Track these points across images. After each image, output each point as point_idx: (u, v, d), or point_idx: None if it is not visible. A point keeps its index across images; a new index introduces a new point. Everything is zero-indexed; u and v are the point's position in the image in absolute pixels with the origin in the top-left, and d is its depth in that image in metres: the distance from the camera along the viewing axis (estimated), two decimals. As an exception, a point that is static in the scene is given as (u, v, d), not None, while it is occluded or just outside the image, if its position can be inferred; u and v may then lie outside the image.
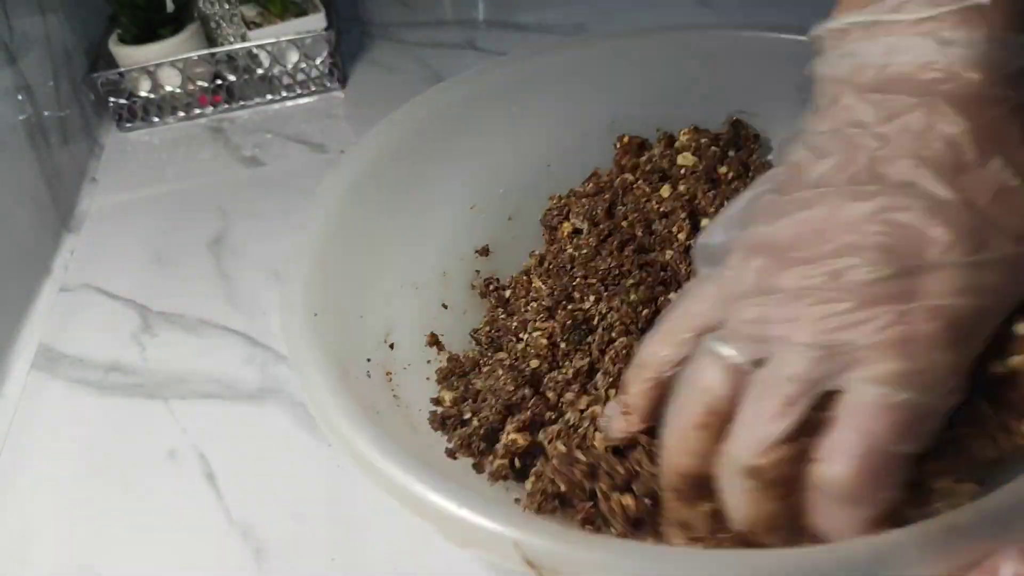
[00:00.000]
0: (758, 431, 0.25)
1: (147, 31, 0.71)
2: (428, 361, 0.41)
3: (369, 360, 0.38)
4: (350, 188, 0.42)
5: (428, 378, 0.40)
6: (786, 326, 0.25)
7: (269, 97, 0.74)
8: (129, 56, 0.71)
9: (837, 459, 0.24)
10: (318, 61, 0.73)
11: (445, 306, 0.44)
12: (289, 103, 0.74)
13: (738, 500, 0.26)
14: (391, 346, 0.40)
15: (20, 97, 0.60)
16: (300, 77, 0.74)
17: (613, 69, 0.51)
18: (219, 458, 0.44)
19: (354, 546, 0.39)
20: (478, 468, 0.35)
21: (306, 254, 0.38)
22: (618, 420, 0.31)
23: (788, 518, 0.26)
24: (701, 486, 0.27)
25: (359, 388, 0.34)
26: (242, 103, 0.74)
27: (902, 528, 0.24)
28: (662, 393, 0.29)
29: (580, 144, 0.50)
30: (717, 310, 0.28)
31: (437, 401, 0.39)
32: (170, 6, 0.71)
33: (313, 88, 0.75)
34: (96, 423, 0.47)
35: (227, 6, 0.73)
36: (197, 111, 0.74)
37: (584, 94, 0.50)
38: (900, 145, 0.26)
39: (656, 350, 0.30)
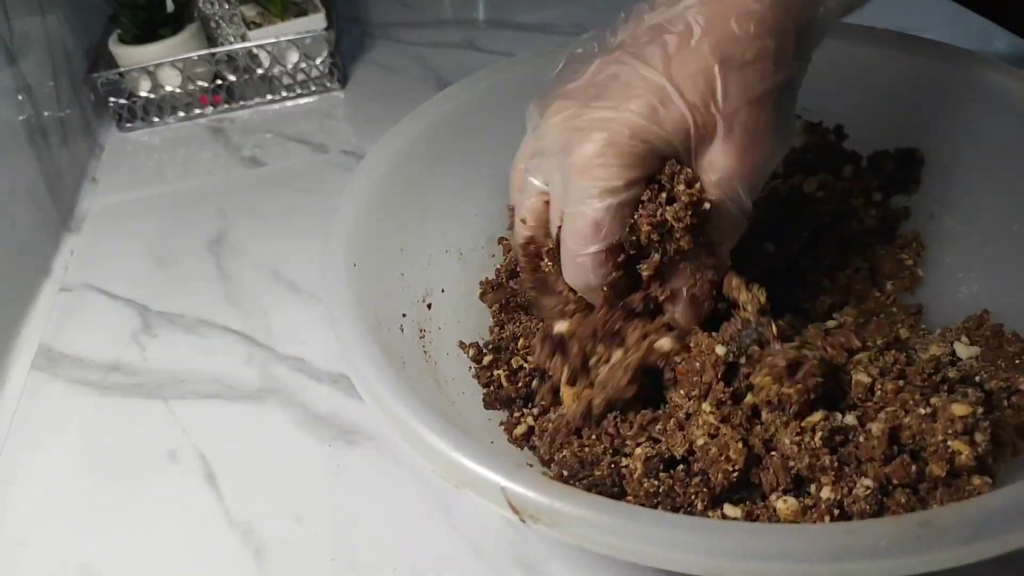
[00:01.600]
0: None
1: (147, 31, 0.71)
2: (459, 322, 0.42)
3: (404, 316, 0.39)
4: (400, 153, 0.43)
5: (462, 340, 0.42)
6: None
7: (269, 97, 0.74)
8: (129, 56, 0.71)
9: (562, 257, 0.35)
10: (318, 61, 0.73)
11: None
12: (289, 103, 0.74)
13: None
14: (428, 306, 0.41)
15: (20, 97, 0.60)
16: (300, 77, 0.74)
17: None
18: (219, 458, 0.44)
19: (354, 546, 0.39)
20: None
21: (350, 210, 0.39)
22: (520, 228, 0.39)
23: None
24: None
25: (390, 340, 0.36)
26: (242, 103, 0.74)
27: (877, 519, 0.26)
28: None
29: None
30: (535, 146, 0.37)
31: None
32: (170, 6, 0.71)
33: (313, 88, 0.75)
34: (96, 423, 0.47)
35: (227, 6, 0.73)
36: (197, 111, 0.74)
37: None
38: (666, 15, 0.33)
39: (514, 178, 0.39)
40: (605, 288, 0.35)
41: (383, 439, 0.43)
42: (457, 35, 0.82)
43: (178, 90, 0.72)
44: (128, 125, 0.73)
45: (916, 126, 0.45)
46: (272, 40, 0.71)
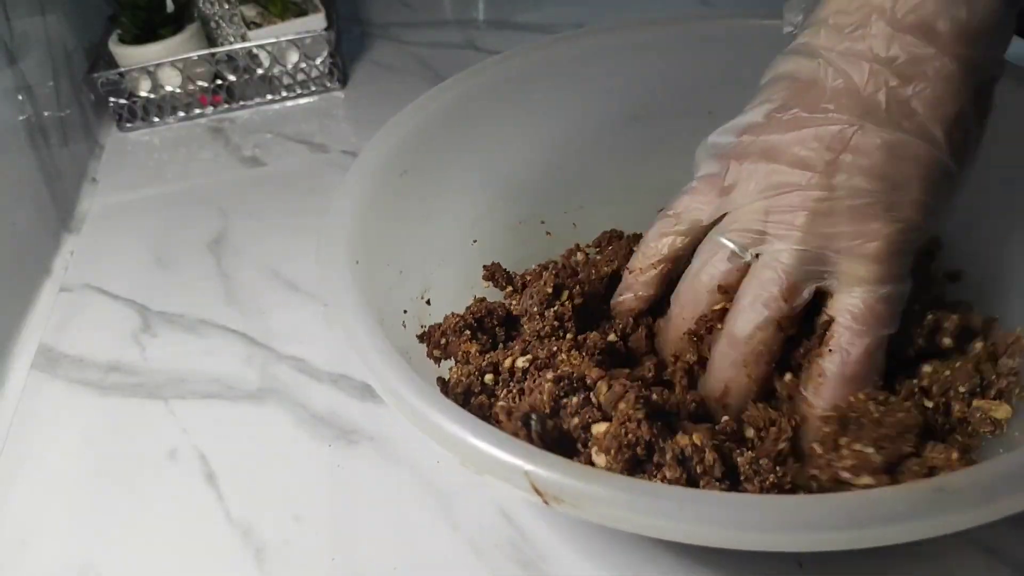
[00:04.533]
0: (755, 311, 0.32)
1: (147, 31, 0.71)
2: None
3: (405, 312, 0.39)
4: (394, 148, 0.43)
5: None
6: (782, 228, 0.31)
7: (269, 97, 0.74)
8: (129, 56, 0.71)
9: (839, 348, 0.31)
10: (318, 61, 0.73)
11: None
12: (289, 103, 0.74)
13: (721, 365, 0.33)
14: (427, 302, 0.41)
15: (20, 97, 0.60)
16: (300, 77, 0.74)
17: (640, 57, 0.51)
18: (219, 458, 0.44)
19: (354, 546, 0.39)
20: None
21: (348, 206, 0.39)
22: (628, 298, 0.37)
23: (747, 392, 0.33)
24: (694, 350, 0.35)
25: (393, 334, 0.35)
26: (242, 103, 0.74)
27: (895, 486, 0.27)
28: (665, 279, 0.37)
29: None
30: (716, 205, 0.34)
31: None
32: (170, 6, 0.71)
33: (313, 88, 0.75)
34: (96, 423, 0.47)
35: (227, 6, 0.73)
36: (197, 111, 0.74)
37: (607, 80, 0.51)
38: (914, 85, 0.30)
39: (663, 238, 0.36)
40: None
41: (383, 439, 0.43)
42: (457, 35, 0.82)
43: (178, 90, 0.72)
44: (128, 125, 0.73)
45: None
46: (272, 40, 0.71)
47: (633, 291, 0.37)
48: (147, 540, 0.40)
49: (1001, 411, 0.33)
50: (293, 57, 0.73)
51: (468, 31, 0.82)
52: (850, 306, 0.31)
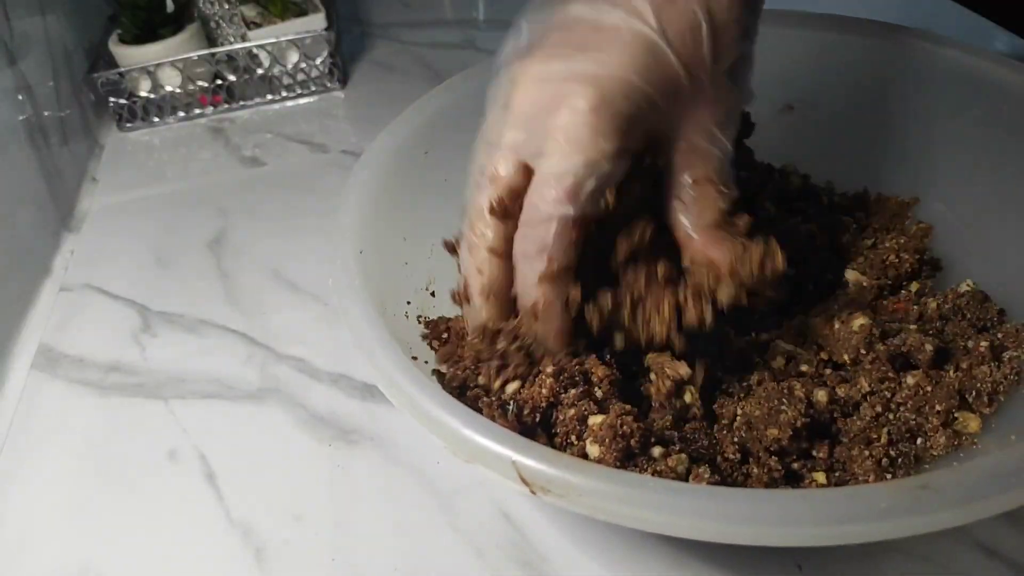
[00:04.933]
0: (476, 200, 0.33)
1: (147, 31, 0.71)
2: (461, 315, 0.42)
3: (409, 303, 0.39)
4: (402, 144, 0.43)
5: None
6: (510, 108, 0.31)
7: (269, 97, 0.74)
8: (129, 56, 0.71)
9: (519, 225, 0.31)
10: (318, 61, 0.73)
11: None
12: (289, 103, 0.74)
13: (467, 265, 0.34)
14: (432, 294, 0.41)
15: (20, 97, 0.60)
16: (300, 77, 0.74)
17: None
18: (219, 458, 0.44)
19: (354, 546, 0.39)
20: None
21: (355, 199, 0.40)
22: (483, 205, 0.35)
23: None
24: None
25: (396, 326, 0.36)
26: (242, 103, 0.74)
27: (878, 483, 0.27)
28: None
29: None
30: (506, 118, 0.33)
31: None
32: (170, 6, 0.71)
33: (313, 88, 0.75)
34: (96, 423, 0.47)
35: (227, 6, 0.73)
36: (197, 111, 0.74)
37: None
38: None
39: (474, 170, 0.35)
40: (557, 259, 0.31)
41: (383, 439, 0.43)
42: (457, 35, 0.82)
43: (178, 90, 0.72)
44: (128, 125, 0.73)
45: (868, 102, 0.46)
46: (272, 40, 0.71)
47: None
48: (147, 540, 0.40)
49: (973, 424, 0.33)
50: (293, 57, 0.73)
51: (468, 31, 0.82)
52: (534, 182, 0.31)
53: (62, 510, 0.42)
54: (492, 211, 0.32)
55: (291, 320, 0.52)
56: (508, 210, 0.32)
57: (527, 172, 0.32)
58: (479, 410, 0.33)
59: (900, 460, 0.32)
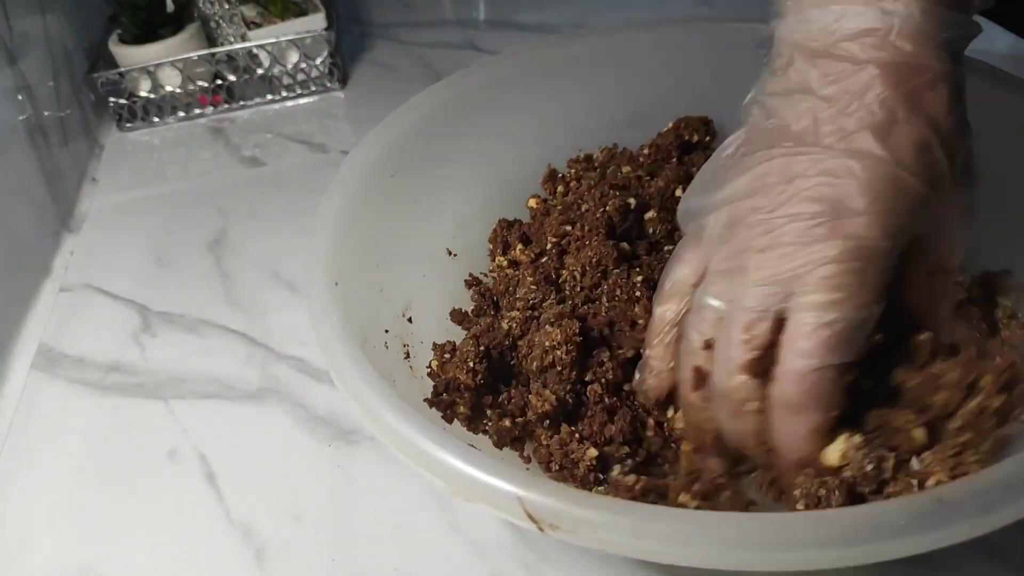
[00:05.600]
0: (726, 359, 0.31)
1: (147, 31, 0.71)
2: (441, 332, 0.42)
3: (387, 332, 0.39)
4: (371, 166, 0.43)
5: (435, 342, 0.41)
6: (738, 271, 0.31)
7: (269, 97, 0.74)
8: (129, 56, 0.71)
9: (783, 377, 0.30)
10: (318, 61, 0.73)
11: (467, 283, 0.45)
12: (289, 103, 0.74)
13: (722, 418, 0.32)
14: (409, 320, 0.41)
15: (20, 97, 0.60)
16: (300, 77, 0.74)
17: (638, 59, 0.52)
18: (219, 458, 0.44)
19: (354, 546, 0.39)
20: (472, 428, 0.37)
21: (329, 227, 0.39)
22: (652, 383, 0.36)
23: (761, 435, 0.32)
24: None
25: (377, 357, 0.35)
26: (242, 103, 0.74)
27: (888, 500, 0.27)
28: (678, 347, 0.35)
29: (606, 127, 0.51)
30: (702, 264, 0.34)
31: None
32: (170, 6, 0.71)
33: (313, 88, 0.75)
34: (96, 423, 0.47)
35: (227, 6, 0.73)
36: (197, 111, 0.74)
37: (609, 80, 0.52)
38: (840, 107, 0.31)
39: (663, 311, 0.35)
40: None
41: (377, 436, 0.43)
42: (457, 35, 0.82)
43: (178, 90, 0.72)
44: (128, 125, 0.73)
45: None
46: (272, 40, 0.71)
47: (651, 369, 0.36)
48: (147, 540, 0.40)
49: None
50: (293, 57, 0.73)
51: (468, 31, 0.82)
52: (795, 332, 0.30)
53: (62, 510, 0.42)
54: (750, 372, 0.31)
55: (291, 320, 0.52)
56: (767, 368, 0.31)
57: (780, 324, 0.31)
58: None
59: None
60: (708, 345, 0.32)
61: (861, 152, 0.30)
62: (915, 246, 0.32)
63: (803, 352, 0.29)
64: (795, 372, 0.30)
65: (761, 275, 0.30)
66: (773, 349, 0.30)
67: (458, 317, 0.43)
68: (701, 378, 0.33)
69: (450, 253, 0.46)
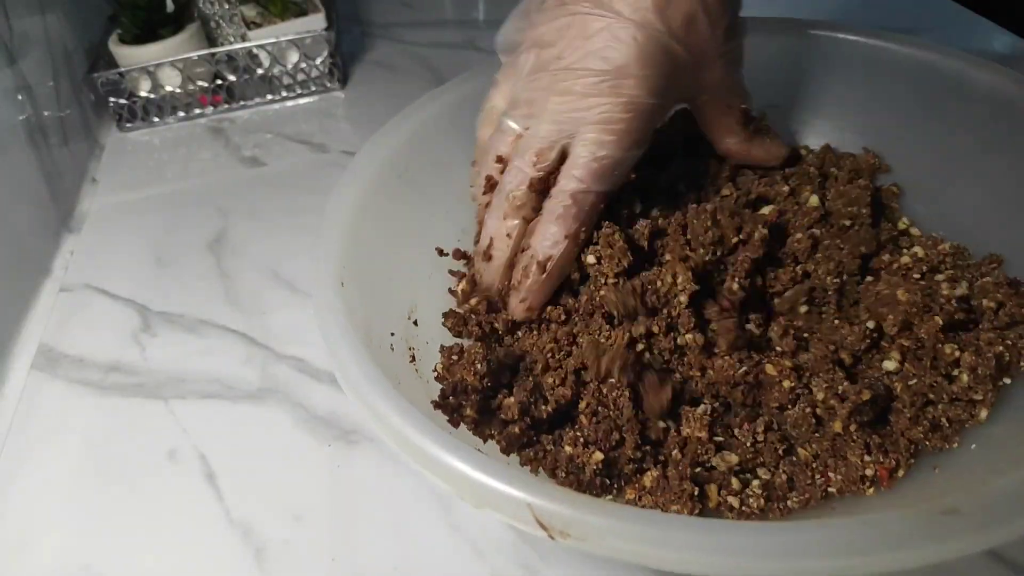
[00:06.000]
0: (518, 170, 0.38)
1: (147, 31, 0.71)
2: (445, 335, 0.41)
3: (393, 334, 0.39)
4: (378, 168, 0.43)
5: (442, 344, 0.40)
6: (536, 107, 0.38)
7: (269, 97, 0.74)
8: (129, 56, 0.71)
9: (556, 194, 0.37)
10: (318, 61, 0.73)
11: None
12: (289, 103, 0.74)
13: (488, 217, 0.39)
14: (415, 323, 0.41)
15: (20, 97, 0.60)
16: (300, 77, 0.74)
17: None
18: (219, 458, 0.44)
19: (354, 546, 0.39)
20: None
21: (336, 228, 0.40)
22: (477, 195, 0.41)
23: (507, 248, 0.39)
24: None
25: (382, 359, 0.35)
26: (242, 103, 0.74)
27: (896, 511, 0.27)
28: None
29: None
30: (511, 94, 0.40)
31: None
32: (170, 6, 0.71)
33: (313, 88, 0.75)
34: (96, 423, 0.47)
35: (227, 6, 0.73)
36: (197, 111, 0.74)
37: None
38: None
39: (482, 134, 0.42)
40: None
41: (383, 439, 0.43)
42: (457, 35, 0.82)
43: (178, 90, 0.72)
44: (128, 125, 0.73)
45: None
46: (272, 40, 0.71)
47: (479, 186, 0.42)
48: (147, 540, 0.40)
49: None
50: (293, 57, 0.73)
51: (468, 31, 0.82)
52: (572, 162, 0.37)
53: (62, 510, 0.42)
54: (532, 187, 0.38)
55: (291, 320, 0.52)
56: (547, 187, 0.38)
57: (564, 154, 0.38)
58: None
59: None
60: (500, 160, 0.39)
61: (644, 23, 0.36)
62: (706, 99, 0.41)
63: (575, 177, 0.36)
64: (566, 191, 0.37)
65: (555, 114, 0.37)
66: (553, 175, 0.37)
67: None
68: (492, 186, 0.40)
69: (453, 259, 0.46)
